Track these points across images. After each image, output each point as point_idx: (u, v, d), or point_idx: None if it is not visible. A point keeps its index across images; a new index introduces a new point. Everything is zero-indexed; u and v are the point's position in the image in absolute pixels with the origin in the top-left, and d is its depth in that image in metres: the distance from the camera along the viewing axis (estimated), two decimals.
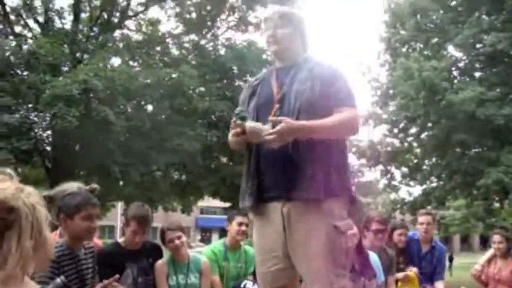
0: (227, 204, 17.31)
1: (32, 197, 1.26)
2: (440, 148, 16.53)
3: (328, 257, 2.28)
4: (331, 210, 2.32)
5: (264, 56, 16.53)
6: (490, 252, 5.02)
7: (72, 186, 2.98)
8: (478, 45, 15.86)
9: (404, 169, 18.75)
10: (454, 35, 15.68)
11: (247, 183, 2.48)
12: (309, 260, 2.30)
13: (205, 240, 37.93)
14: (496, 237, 4.90)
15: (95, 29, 14.74)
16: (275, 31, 2.54)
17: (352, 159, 17.45)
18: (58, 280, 2.47)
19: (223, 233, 4.26)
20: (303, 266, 2.34)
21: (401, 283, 4.33)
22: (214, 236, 40.11)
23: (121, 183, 14.00)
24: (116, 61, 14.76)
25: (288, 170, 2.33)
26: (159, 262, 3.63)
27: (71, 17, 14.44)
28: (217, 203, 20.20)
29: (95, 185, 3.10)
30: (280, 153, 2.32)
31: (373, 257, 3.78)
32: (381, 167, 18.56)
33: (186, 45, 16.22)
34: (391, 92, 17.12)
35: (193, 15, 16.20)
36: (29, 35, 14.55)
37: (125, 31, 15.80)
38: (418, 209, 16.39)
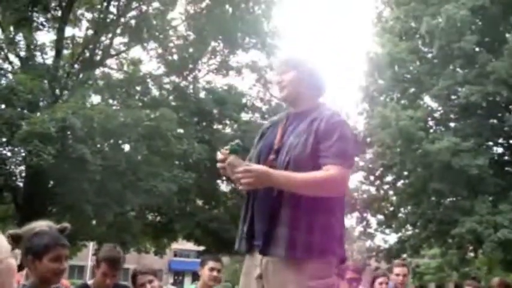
0: (201, 248, 17.05)
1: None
2: (416, 196, 16.67)
3: None
4: (308, 269, 2.26)
5: (244, 100, 16.71)
6: None
7: (41, 224, 2.88)
8: (452, 97, 16.28)
9: (380, 216, 18.80)
10: (430, 85, 16.09)
11: (241, 228, 2.47)
12: None
13: (178, 283, 37.12)
14: None
15: (76, 66, 14.75)
16: (281, 77, 2.55)
17: None
18: None
19: (196, 276, 4.16)
20: None
21: None
22: (187, 280, 39.24)
23: (94, 222, 13.72)
24: (95, 99, 14.76)
25: (271, 224, 2.29)
26: None
27: (53, 53, 14.46)
28: (191, 246, 19.90)
29: (66, 224, 3.00)
30: (268, 205, 2.31)
31: None
32: (356, 214, 18.59)
33: (167, 86, 16.29)
34: (368, 139, 17.35)
35: (175, 56, 16.37)
36: (9, 68, 14.48)
37: (106, 69, 15.85)
38: (394, 257, 16.48)
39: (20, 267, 2.72)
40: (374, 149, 17.00)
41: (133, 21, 15.68)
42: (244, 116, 16.68)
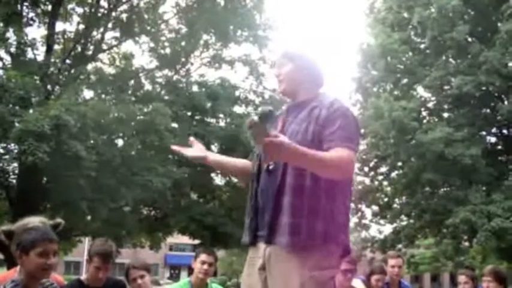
0: (196, 242, 17.06)
1: None
2: (410, 187, 16.75)
3: None
4: (311, 259, 2.25)
5: (237, 94, 16.66)
6: None
7: (34, 220, 2.86)
8: (445, 87, 16.34)
9: (375, 207, 18.88)
10: (423, 76, 16.13)
11: (246, 220, 2.47)
12: None
13: (174, 277, 37.18)
14: (462, 278, 4.90)
15: (67, 61, 14.66)
16: (279, 71, 2.55)
17: None
18: None
19: (192, 270, 4.16)
20: None
21: None
22: (183, 274, 39.31)
23: (88, 218, 13.70)
24: (88, 94, 14.68)
25: (274, 213, 2.29)
26: None
27: (44, 48, 14.37)
28: (186, 239, 19.91)
29: (59, 220, 2.98)
30: (271, 195, 2.31)
31: None
32: (351, 205, 18.66)
33: (159, 80, 16.23)
34: (362, 131, 17.40)
35: (167, 50, 16.30)
36: (0, 65, 14.37)
37: (98, 64, 15.77)
38: (389, 248, 16.56)
39: (13, 263, 2.71)
40: (368, 140, 17.03)
41: (124, 15, 15.59)
42: (238, 110, 16.66)
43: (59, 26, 15.14)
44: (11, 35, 13.87)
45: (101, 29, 15.32)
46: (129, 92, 15.35)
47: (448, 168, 14.81)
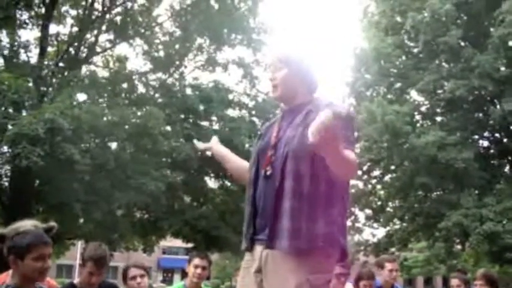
0: (190, 245, 17.02)
1: None
2: (403, 190, 16.80)
3: None
4: (308, 263, 2.24)
5: (231, 97, 16.67)
6: None
7: (26, 224, 2.85)
8: (438, 91, 16.41)
9: (368, 211, 18.91)
10: (416, 80, 16.20)
11: (244, 226, 2.46)
12: None
13: (167, 280, 37.04)
14: (455, 281, 4.92)
15: (61, 63, 14.60)
16: (273, 75, 2.52)
17: None
18: None
19: (185, 273, 4.15)
20: None
21: None
22: (177, 277, 39.20)
23: (81, 221, 13.64)
24: (81, 97, 14.63)
25: (273, 217, 2.28)
26: None
27: (37, 51, 14.31)
28: (179, 243, 19.86)
29: (52, 223, 2.97)
30: (270, 199, 2.30)
31: None
32: None
33: (153, 83, 16.21)
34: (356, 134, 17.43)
35: (161, 53, 16.29)
36: None
37: (92, 67, 15.73)
38: (382, 251, 16.59)
39: (6, 267, 2.70)
40: (361, 143, 17.07)
41: (118, 18, 15.56)
42: (231, 113, 16.65)
43: (53, 28, 15.12)
44: (4, 37, 13.84)
45: (95, 32, 15.29)
46: (123, 95, 15.32)
47: (441, 172, 14.87)
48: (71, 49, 14.86)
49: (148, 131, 12.91)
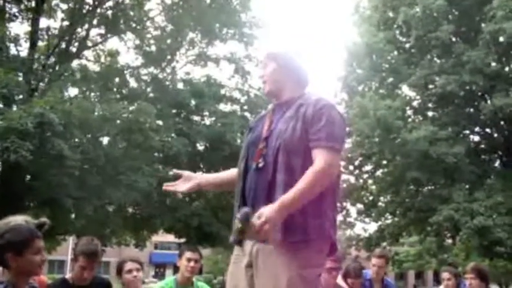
0: (182, 240, 17.00)
1: None
2: (395, 185, 16.88)
3: None
4: (300, 255, 2.25)
5: (222, 92, 16.63)
6: None
7: (17, 219, 2.83)
8: (430, 86, 16.48)
9: (360, 206, 18.98)
10: (408, 75, 16.25)
11: (233, 218, 2.44)
12: None
13: (159, 275, 37.04)
14: (445, 275, 4.96)
15: (51, 58, 14.49)
16: (263, 71, 2.55)
17: None
18: None
19: (177, 268, 4.15)
20: None
21: None
22: (169, 272, 39.19)
23: (73, 216, 13.58)
24: (72, 91, 14.53)
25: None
26: None
27: (27, 44, 14.19)
28: (171, 238, 19.84)
29: (44, 219, 2.95)
30: (261, 192, 2.31)
31: None
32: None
33: (144, 77, 16.14)
34: (347, 129, 17.46)
35: (153, 48, 16.21)
36: None
37: (83, 61, 15.62)
38: (374, 246, 16.66)
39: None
40: (353, 138, 17.12)
41: (109, 12, 15.45)
42: (223, 108, 16.63)
43: (43, 22, 15.02)
44: None
45: (86, 26, 15.19)
46: (114, 89, 15.23)
47: (432, 166, 14.95)
48: (61, 43, 14.75)
49: (140, 126, 12.85)
